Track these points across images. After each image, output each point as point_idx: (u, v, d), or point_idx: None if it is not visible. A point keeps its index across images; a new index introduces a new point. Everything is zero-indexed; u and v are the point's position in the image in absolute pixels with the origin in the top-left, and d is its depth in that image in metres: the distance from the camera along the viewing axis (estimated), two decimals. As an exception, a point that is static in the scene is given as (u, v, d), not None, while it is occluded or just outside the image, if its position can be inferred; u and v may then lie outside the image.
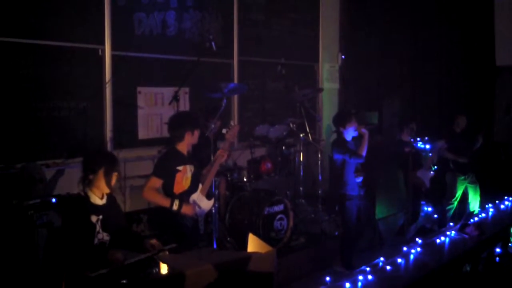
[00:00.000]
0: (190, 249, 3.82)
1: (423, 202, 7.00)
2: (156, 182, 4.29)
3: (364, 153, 5.37)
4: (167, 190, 4.34)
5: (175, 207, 4.21)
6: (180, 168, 4.35)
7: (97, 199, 3.59)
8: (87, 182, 3.56)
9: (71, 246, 3.39)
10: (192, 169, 4.46)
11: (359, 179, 5.47)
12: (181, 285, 2.64)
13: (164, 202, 4.25)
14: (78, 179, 3.60)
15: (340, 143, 5.46)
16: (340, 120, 5.52)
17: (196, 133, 4.47)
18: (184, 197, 4.34)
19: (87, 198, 3.56)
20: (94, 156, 3.70)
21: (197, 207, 4.44)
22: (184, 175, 4.38)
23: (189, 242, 4.15)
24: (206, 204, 4.56)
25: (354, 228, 5.51)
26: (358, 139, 5.53)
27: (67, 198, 4.62)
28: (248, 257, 2.96)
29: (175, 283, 2.68)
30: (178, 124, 4.46)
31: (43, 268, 4.27)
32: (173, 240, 3.73)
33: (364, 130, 5.43)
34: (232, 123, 4.85)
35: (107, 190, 3.63)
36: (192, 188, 4.45)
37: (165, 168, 4.33)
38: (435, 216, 6.96)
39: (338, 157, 5.43)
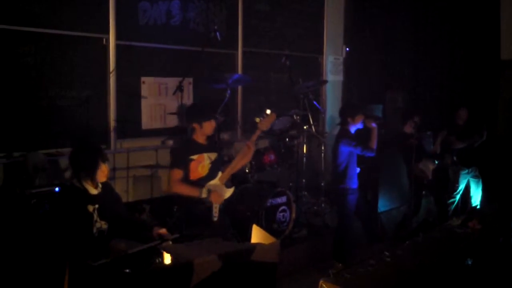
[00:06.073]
0: (203, 235, 3.86)
1: (425, 195, 6.98)
2: (178, 173, 4.39)
3: (375, 147, 5.36)
4: (183, 178, 4.41)
5: (204, 195, 4.28)
6: (194, 157, 4.45)
7: (92, 189, 3.62)
8: (81, 176, 3.59)
9: (70, 236, 3.40)
10: (213, 157, 4.51)
11: (357, 170, 5.48)
12: (187, 275, 2.65)
13: (193, 191, 4.34)
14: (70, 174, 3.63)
15: (349, 136, 5.42)
16: (351, 111, 5.48)
17: (206, 124, 4.50)
18: (201, 183, 4.39)
19: (82, 188, 3.57)
20: (83, 153, 3.68)
21: None
22: (199, 164, 4.46)
23: (202, 229, 4.19)
24: (225, 192, 4.59)
25: (352, 221, 5.52)
26: (361, 132, 5.51)
27: (62, 189, 4.62)
28: (252, 248, 2.97)
29: (181, 272, 2.68)
30: (188, 116, 4.66)
31: (45, 256, 4.29)
32: (186, 226, 3.77)
33: (374, 125, 5.41)
34: (268, 111, 4.83)
35: (103, 179, 3.65)
36: (210, 175, 4.50)
37: (180, 158, 4.44)
38: (437, 209, 6.95)
39: (345, 149, 5.38)
